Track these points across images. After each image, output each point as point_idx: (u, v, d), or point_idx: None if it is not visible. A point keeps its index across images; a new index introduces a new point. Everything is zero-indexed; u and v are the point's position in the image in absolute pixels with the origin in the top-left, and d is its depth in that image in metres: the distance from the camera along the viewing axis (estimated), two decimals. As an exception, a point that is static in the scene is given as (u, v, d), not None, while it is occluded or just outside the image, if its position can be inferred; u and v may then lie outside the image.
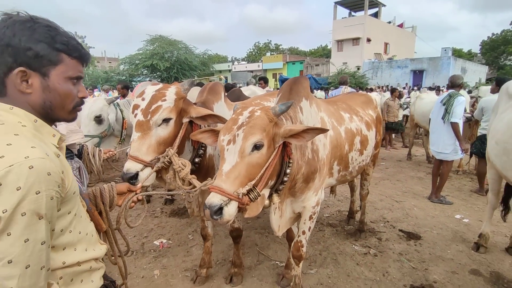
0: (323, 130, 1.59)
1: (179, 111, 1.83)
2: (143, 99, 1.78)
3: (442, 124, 4.22)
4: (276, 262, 2.88)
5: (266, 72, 35.29)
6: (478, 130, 4.69)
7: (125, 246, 1.37)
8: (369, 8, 30.61)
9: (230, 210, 1.40)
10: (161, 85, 1.92)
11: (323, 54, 46.42)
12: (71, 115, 0.93)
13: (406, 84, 22.38)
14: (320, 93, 12.79)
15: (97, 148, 2.45)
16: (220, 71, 32.79)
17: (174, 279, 2.60)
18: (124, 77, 19.89)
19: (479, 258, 2.99)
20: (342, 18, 32.28)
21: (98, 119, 3.08)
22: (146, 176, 1.62)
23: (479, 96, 5.50)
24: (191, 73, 20.34)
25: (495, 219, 3.42)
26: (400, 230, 3.51)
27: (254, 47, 55.49)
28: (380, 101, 9.21)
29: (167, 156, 1.68)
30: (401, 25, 34.80)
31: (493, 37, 37.79)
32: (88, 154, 2.27)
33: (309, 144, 2.05)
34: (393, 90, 8.38)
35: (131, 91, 5.62)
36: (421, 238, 3.36)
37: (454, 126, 4.08)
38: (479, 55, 41.08)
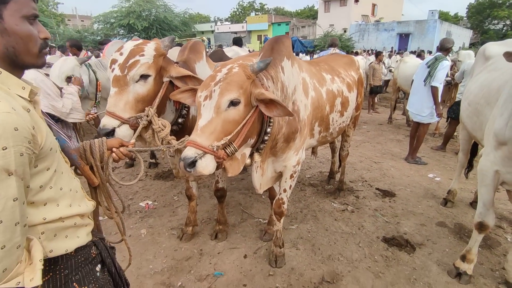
0: (289, 113, 1.55)
1: (158, 68, 1.78)
2: (121, 54, 1.71)
3: (423, 87, 4.30)
4: (259, 220, 3.02)
5: (251, 34, 33.99)
6: (456, 94, 4.84)
7: (120, 204, 1.37)
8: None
9: (204, 163, 1.42)
10: (140, 40, 1.83)
11: (310, 15, 44.83)
12: (39, 60, 0.88)
13: (392, 48, 22.24)
14: (305, 58, 12.57)
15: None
16: (203, 32, 31.27)
17: (161, 237, 2.70)
18: (99, 37, 18.60)
19: (446, 212, 3.24)
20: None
21: (70, 80, 2.94)
22: (124, 133, 1.61)
23: (459, 60, 5.57)
24: (171, 33, 19.21)
25: (464, 177, 3.66)
26: (377, 189, 3.72)
27: (238, 6, 52.81)
28: (365, 65, 9.20)
29: (147, 116, 1.66)
30: (391, -15, 33.67)
31: (480, 0, 37.37)
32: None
33: (290, 104, 2.06)
34: (378, 54, 8.34)
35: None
36: (395, 195, 3.57)
37: (434, 90, 4.18)
38: (465, 18, 40.83)
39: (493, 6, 35.10)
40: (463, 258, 2.34)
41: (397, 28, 26.31)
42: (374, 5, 31.36)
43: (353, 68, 2.93)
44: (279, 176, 2.34)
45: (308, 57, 12.79)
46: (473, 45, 27.25)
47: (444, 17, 34.65)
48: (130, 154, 1.27)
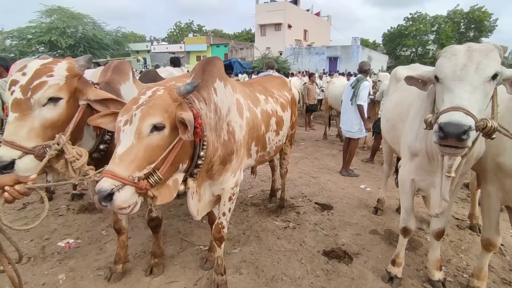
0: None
1: (72, 90, 1.59)
2: (23, 74, 1.49)
3: (350, 106, 4.71)
4: (200, 247, 2.86)
5: (190, 54, 33.89)
6: (378, 111, 5.40)
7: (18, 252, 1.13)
8: (290, -6, 31.83)
9: (123, 196, 1.28)
10: (50, 59, 1.63)
11: (248, 38, 46.72)
12: None
13: (323, 69, 24.26)
14: (242, 77, 12.91)
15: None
16: (138, 52, 30.12)
17: (84, 281, 2.35)
18: (13, 55, 16.46)
19: (377, 219, 3.49)
20: (265, 2, 32.81)
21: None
22: (26, 166, 1.37)
23: (379, 81, 6.29)
24: (102, 52, 17.97)
25: (390, 185, 4.01)
26: (316, 203, 3.85)
27: (175, 27, 52.43)
28: (300, 85, 9.78)
29: (58, 144, 1.45)
30: (318, 14, 37.21)
31: (392, 30, 43.48)
32: None
33: (225, 125, 2.03)
34: (310, 75, 8.97)
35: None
36: (333, 208, 3.74)
37: (359, 108, 4.61)
38: (381, 45, 46.83)
39: (402, 36, 41.04)
40: (393, 262, 2.50)
41: (326, 52, 28.93)
42: (305, 31, 34.16)
43: (286, 89, 3.06)
44: (217, 199, 2.25)
45: (247, 78, 13.18)
46: (389, 68, 31.21)
47: (365, 43, 39.27)
48: (28, 192, 1.07)
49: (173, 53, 32.16)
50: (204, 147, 1.76)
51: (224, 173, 2.10)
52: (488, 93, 1.54)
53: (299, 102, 10.12)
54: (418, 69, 2.97)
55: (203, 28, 52.78)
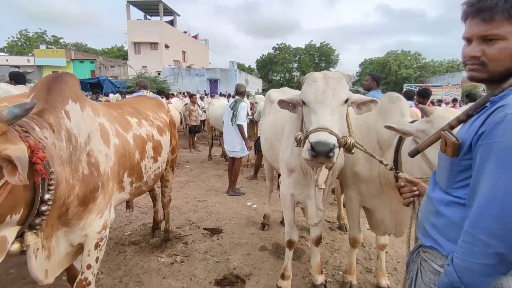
0: (25, 181, 1.07)
1: None
2: None
3: (231, 126, 4.84)
4: (59, 314, 2.21)
5: (42, 69, 28.34)
6: (258, 130, 5.76)
7: None
8: (165, 15, 31.38)
9: None
10: None
11: (120, 55, 43.18)
12: None
13: (204, 91, 24.76)
14: (113, 97, 11.68)
15: None
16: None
17: None
18: None
19: (265, 235, 3.58)
20: (138, 19, 31.32)
21: None
22: None
23: (256, 102, 6.78)
24: None
25: (274, 199, 4.24)
26: (205, 229, 3.67)
27: (20, 36, 42.96)
28: (181, 106, 9.55)
29: None
30: (195, 37, 38.13)
31: (263, 57, 49.00)
32: None
33: (84, 156, 1.64)
34: (191, 96, 8.90)
35: None
36: (222, 231, 3.64)
37: (239, 128, 4.79)
38: (256, 70, 51.87)
39: (272, 62, 46.72)
40: (283, 276, 2.57)
41: (206, 74, 29.79)
42: (184, 52, 34.30)
43: (163, 110, 2.82)
44: (79, 249, 1.79)
45: (120, 98, 11.99)
46: (264, 91, 34.76)
47: (241, 67, 42.58)
48: None
49: (18, 67, 26.17)
50: (52, 187, 1.35)
51: (87, 215, 1.69)
52: (343, 114, 1.78)
53: (181, 123, 9.85)
54: (287, 92, 3.29)
55: (61, 40, 45.32)
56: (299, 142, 1.78)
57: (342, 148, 1.74)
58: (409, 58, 41.70)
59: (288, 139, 2.29)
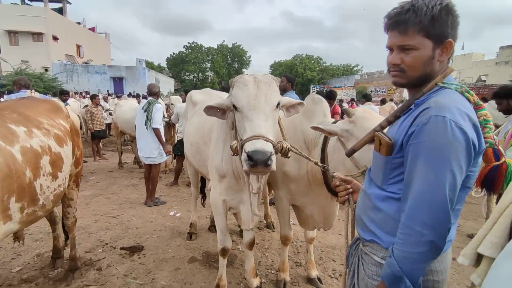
0: None
1: None
2: None
3: (146, 130, 4.38)
4: None
5: None
6: (176, 133, 5.41)
7: None
8: (51, 1, 26.82)
9: None
10: None
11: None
12: None
13: (108, 90, 22.23)
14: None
15: None
16: None
17: None
18: None
19: (193, 245, 3.36)
20: (12, 4, 25.90)
21: None
22: None
23: (172, 104, 6.36)
24: None
25: (199, 205, 4.03)
26: (122, 248, 3.22)
27: None
28: (80, 108, 8.31)
29: None
30: (92, 29, 33.84)
31: (174, 55, 46.90)
32: None
33: None
34: (93, 97, 7.80)
35: None
36: (144, 248, 3.26)
37: (155, 131, 4.37)
38: (166, 69, 49.34)
39: (184, 62, 45.17)
40: (218, 286, 2.44)
41: (109, 71, 26.77)
42: (78, 46, 30.03)
43: (61, 116, 2.32)
44: None
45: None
46: (177, 91, 33.27)
47: (150, 66, 39.79)
48: None
49: None
50: None
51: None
52: (276, 119, 1.76)
53: (81, 129, 8.54)
54: (211, 94, 3.14)
55: None
56: (235, 152, 1.68)
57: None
58: (312, 61, 46.29)
59: (217, 143, 2.16)
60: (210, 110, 1.85)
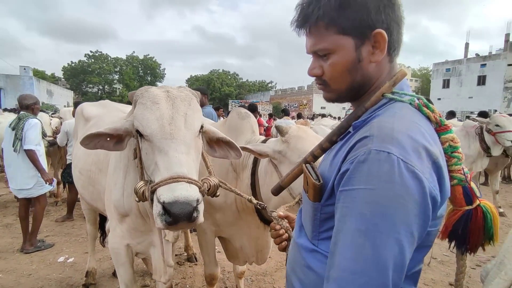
0: None
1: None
2: None
3: (16, 155, 3.33)
4: None
5: None
6: (66, 156, 4.39)
7: None
8: None
9: None
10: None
11: None
12: None
13: None
14: None
15: None
16: None
17: None
18: None
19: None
20: None
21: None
22: None
23: (61, 118, 5.22)
24: None
25: (98, 246, 3.22)
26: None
27: None
28: None
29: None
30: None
31: (73, 65, 41.25)
32: None
33: None
34: None
35: None
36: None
37: (29, 154, 3.31)
38: (63, 79, 43.14)
39: (86, 72, 40.32)
40: None
41: (-21, 80, 21.83)
42: None
43: None
44: None
45: None
46: (77, 104, 29.11)
47: (40, 75, 34.06)
48: None
49: None
50: None
51: None
52: (199, 148, 1.34)
53: None
54: (109, 106, 2.51)
55: None
56: (142, 198, 1.21)
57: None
58: (229, 77, 47.29)
59: (115, 171, 1.62)
60: (94, 139, 1.30)
